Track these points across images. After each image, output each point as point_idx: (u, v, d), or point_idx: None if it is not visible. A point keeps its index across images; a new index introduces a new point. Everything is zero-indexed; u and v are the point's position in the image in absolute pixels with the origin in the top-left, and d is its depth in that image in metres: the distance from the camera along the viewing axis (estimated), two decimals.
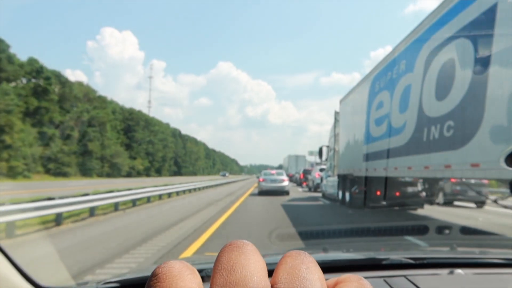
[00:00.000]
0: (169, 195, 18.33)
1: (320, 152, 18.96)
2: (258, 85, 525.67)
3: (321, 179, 20.19)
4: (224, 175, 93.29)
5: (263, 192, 20.49)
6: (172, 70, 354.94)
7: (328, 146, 18.46)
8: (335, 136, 16.34)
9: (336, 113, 16.26)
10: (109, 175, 62.73)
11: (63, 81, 57.35)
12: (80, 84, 64.15)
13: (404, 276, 1.35)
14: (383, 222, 8.72)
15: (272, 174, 21.39)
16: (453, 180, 12.03)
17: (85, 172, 56.90)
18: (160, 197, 16.81)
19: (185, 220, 9.88)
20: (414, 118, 7.59)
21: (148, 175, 79.75)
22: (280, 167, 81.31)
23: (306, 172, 32.45)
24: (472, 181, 11.18)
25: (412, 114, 7.61)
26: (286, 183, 20.58)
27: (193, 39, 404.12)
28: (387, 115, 9.08)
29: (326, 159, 18.78)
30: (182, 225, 8.97)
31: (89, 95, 64.86)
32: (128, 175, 70.08)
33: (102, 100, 69.42)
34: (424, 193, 12.44)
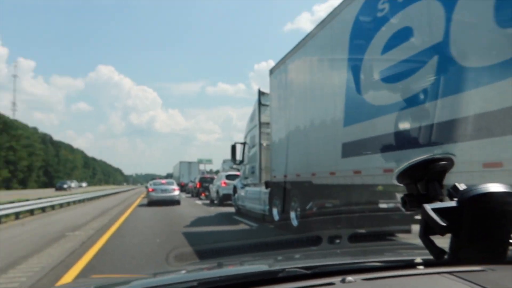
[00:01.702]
0: None
1: (233, 152, 13.54)
2: (143, 91, 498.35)
3: (234, 189, 14.84)
4: (62, 187, 57.02)
5: (152, 203, 19.10)
6: (44, 71, 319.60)
7: (244, 143, 13.22)
8: (260, 127, 11.21)
9: (263, 94, 11.15)
10: None
11: None
12: None
13: None
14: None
15: (162, 184, 20.80)
16: None
17: None
18: None
19: None
20: None
21: (8, 187, 66.52)
22: (168, 176, 73.37)
23: (204, 181, 27.02)
24: None
25: None
26: (176, 192, 20.06)
27: (69, 38, 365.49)
28: (431, 49, 4.16)
29: (242, 161, 13.52)
30: None
31: None
32: None
33: None
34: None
